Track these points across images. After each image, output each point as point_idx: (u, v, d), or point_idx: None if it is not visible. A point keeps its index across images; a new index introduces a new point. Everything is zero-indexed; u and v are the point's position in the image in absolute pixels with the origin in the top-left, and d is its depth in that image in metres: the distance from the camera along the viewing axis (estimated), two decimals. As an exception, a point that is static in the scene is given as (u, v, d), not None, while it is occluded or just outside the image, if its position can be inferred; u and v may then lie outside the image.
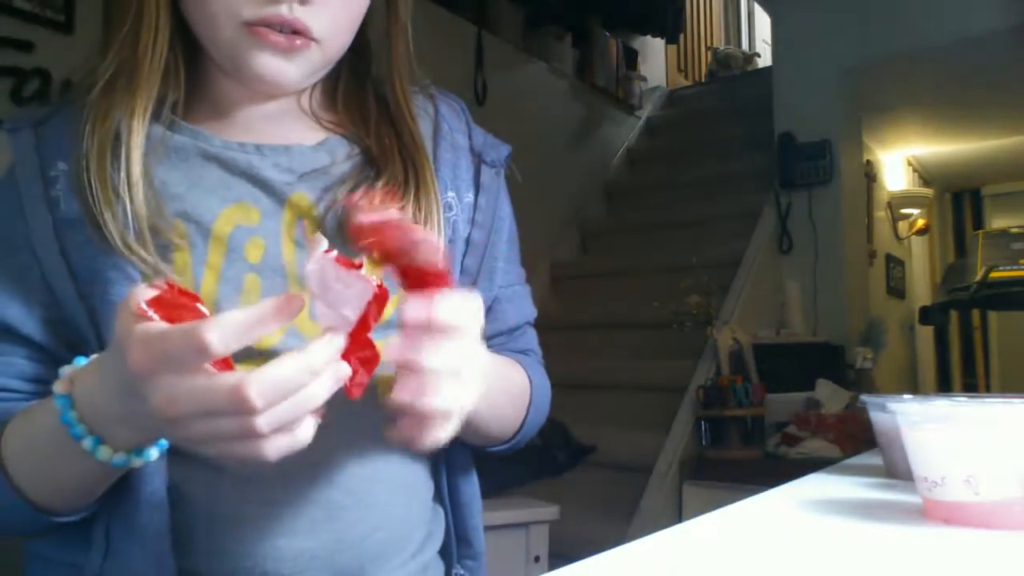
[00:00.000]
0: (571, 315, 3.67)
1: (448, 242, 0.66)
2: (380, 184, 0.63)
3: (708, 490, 2.66)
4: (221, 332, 0.38)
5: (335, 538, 0.59)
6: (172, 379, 0.40)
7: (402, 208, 0.63)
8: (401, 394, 0.45)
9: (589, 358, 3.37)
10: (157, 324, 0.40)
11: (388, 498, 0.63)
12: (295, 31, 0.58)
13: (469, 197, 0.69)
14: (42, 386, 0.58)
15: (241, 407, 0.38)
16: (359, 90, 0.70)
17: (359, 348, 0.41)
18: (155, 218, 0.58)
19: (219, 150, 0.62)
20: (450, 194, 0.67)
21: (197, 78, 0.65)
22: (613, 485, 2.77)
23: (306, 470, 0.59)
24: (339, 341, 0.40)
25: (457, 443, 0.61)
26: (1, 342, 0.59)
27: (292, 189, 0.62)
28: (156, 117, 0.62)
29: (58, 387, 0.48)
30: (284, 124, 0.66)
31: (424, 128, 0.69)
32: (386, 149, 0.66)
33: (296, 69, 0.61)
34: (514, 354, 0.74)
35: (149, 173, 0.59)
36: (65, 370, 0.49)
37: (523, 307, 0.76)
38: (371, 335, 0.42)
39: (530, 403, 0.71)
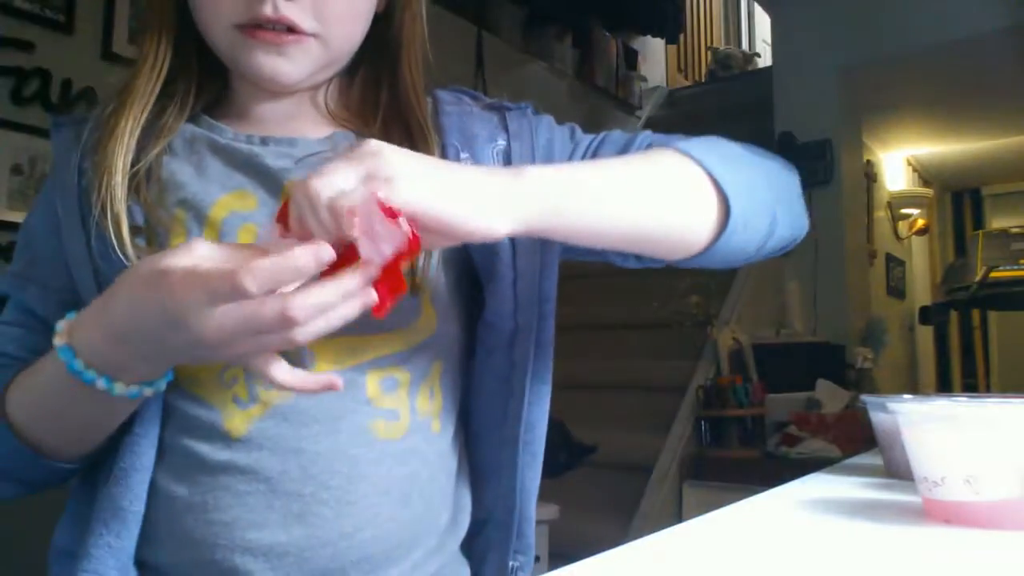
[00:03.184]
0: (571, 315, 3.67)
1: None
2: None
3: (708, 490, 2.66)
4: (254, 278, 0.43)
5: (308, 534, 0.57)
6: (217, 310, 0.44)
7: None
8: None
9: (589, 358, 3.37)
10: (196, 266, 0.46)
11: (375, 499, 0.59)
12: (287, 28, 0.59)
13: (501, 143, 0.67)
14: None
15: (286, 324, 0.45)
16: (376, 88, 0.69)
17: (389, 279, 0.46)
18: (157, 208, 0.61)
19: (228, 141, 0.64)
20: (463, 156, 0.65)
21: (222, 82, 0.68)
22: (613, 485, 2.77)
23: (283, 462, 0.58)
24: (371, 271, 0.45)
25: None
26: (22, 320, 0.65)
27: (289, 175, 0.63)
28: (190, 116, 0.66)
29: (58, 340, 0.52)
30: (298, 120, 0.67)
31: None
32: (391, 138, 0.63)
33: (293, 64, 0.61)
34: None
35: (156, 167, 0.62)
36: (61, 324, 0.53)
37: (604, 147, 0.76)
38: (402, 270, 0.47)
39: (714, 178, 0.62)
